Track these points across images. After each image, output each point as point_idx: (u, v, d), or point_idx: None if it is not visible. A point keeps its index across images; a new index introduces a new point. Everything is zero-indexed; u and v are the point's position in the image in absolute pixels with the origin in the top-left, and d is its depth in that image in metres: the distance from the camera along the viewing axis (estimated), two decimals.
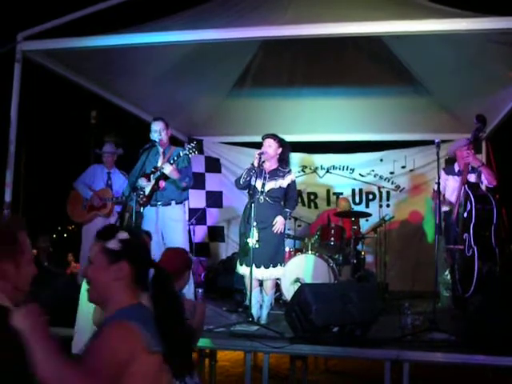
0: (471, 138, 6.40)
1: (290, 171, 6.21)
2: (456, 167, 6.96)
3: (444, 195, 6.81)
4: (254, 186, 5.96)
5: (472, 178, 6.51)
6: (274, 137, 6.15)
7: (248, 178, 6.02)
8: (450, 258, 6.43)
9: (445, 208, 6.77)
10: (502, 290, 5.45)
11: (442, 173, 6.77)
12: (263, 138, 6.19)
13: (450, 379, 6.01)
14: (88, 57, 6.23)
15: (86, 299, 4.05)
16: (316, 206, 10.31)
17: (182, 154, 5.90)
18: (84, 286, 4.07)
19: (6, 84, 5.92)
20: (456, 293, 6.27)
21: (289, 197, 6.20)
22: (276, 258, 6.08)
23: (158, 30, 5.88)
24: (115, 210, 7.32)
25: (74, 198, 7.49)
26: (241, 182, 6.09)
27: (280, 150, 6.17)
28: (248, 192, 6.13)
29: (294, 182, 6.24)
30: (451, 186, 6.80)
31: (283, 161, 6.23)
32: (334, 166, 10.25)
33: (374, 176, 10.02)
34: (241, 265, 6.04)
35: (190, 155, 5.95)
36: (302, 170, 10.31)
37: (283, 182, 6.11)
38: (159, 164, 6.07)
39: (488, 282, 5.64)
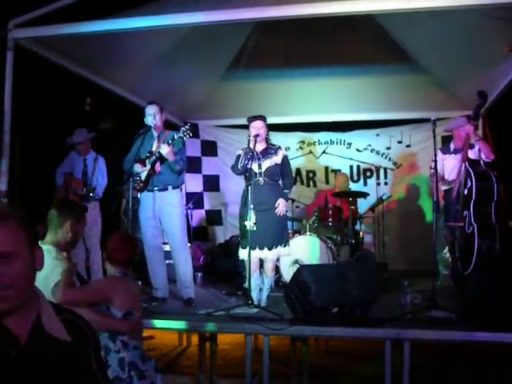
0: (473, 114, 6.36)
1: (279, 147, 6.27)
2: (452, 146, 6.94)
3: (443, 176, 6.80)
4: (251, 168, 5.96)
5: (471, 154, 6.49)
6: (262, 117, 6.16)
7: (246, 162, 6.02)
8: (450, 235, 6.43)
9: (444, 187, 6.76)
10: (502, 266, 5.46)
11: (439, 153, 6.75)
12: (251, 121, 6.17)
13: (450, 356, 6.03)
14: (80, 43, 6.18)
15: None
16: (315, 185, 10.35)
17: (176, 137, 5.88)
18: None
19: None
20: (456, 270, 6.28)
21: (284, 173, 6.22)
22: (281, 238, 6.16)
23: (150, 14, 5.83)
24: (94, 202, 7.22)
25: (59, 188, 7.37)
26: (239, 167, 6.09)
27: (267, 129, 6.21)
28: (245, 175, 6.14)
29: (286, 157, 6.32)
30: (449, 165, 6.78)
31: (268, 139, 6.28)
32: (331, 140, 10.26)
33: (371, 151, 10.05)
34: (243, 248, 6.04)
35: (184, 138, 5.93)
36: (300, 148, 10.33)
37: (277, 158, 6.15)
38: (154, 148, 6.05)
39: (488, 259, 5.64)
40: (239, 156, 6.14)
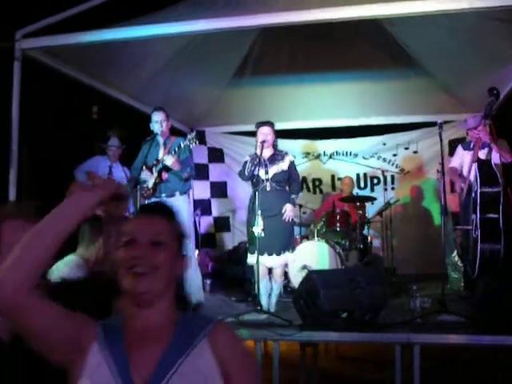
0: (483, 113, 6.32)
1: (286, 153, 6.28)
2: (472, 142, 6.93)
3: (461, 172, 6.74)
4: (258, 175, 5.97)
5: (482, 154, 6.44)
6: (270, 124, 6.17)
7: (253, 168, 6.03)
8: (460, 239, 6.42)
9: (463, 184, 6.69)
10: (508, 270, 5.45)
11: (460, 149, 6.74)
12: (259, 126, 6.18)
13: (460, 361, 6.00)
14: (87, 52, 6.20)
15: None
16: (321, 192, 10.32)
17: (182, 146, 5.90)
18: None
19: (6, 82, 5.89)
20: (467, 274, 6.27)
21: (292, 179, 6.23)
22: (289, 244, 6.17)
23: (156, 22, 5.85)
24: None
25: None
26: (246, 173, 6.11)
27: (274, 135, 6.21)
28: (252, 181, 6.15)
29: (293, 163, 6.31)
30: (467, 162, 6.74)
31: (275, 146, 6.28)
32: (337, 152, 10.25)
33: (378, 158, 10.02)
34: (252, 253, 6.03)
35: (190, 146, 5.95)
36: (306, 157, 10.31)
37: (284, 165, 6.15)
38: (160, 156, 6.07)
39: (492, 263, 5.63)
40: (246, 162, 6.16)
